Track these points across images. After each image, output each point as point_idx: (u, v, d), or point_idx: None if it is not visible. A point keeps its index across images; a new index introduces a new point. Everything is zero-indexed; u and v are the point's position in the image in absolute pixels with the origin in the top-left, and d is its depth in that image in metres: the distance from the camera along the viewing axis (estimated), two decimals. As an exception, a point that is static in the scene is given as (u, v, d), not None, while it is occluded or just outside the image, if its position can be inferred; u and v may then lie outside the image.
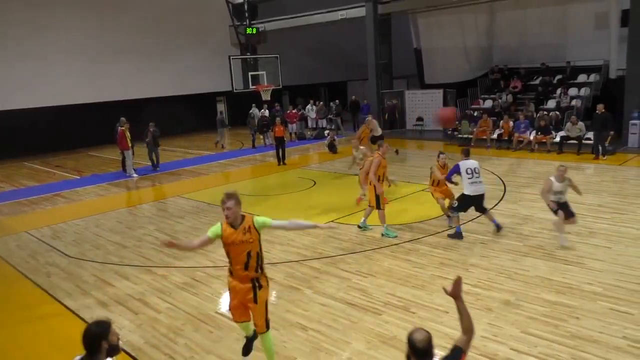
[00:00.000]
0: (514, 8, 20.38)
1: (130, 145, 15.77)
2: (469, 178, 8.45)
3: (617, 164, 13.95)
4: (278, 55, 22.01)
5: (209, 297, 6.99)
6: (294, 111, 23.11)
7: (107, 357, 3.14)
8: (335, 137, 19.05)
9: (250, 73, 21.63)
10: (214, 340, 5.83)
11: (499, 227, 8.72)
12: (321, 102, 25.50)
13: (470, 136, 18.04)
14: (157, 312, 6.62)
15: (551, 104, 18.77)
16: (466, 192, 8.50)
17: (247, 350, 5.17)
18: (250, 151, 19.83)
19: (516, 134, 16.97)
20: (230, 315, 5.12)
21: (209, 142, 23.49)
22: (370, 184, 9.04)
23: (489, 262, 7.54)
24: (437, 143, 19.40)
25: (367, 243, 8.70)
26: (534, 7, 19.96)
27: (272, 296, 6.95)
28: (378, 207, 8.93)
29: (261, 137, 20.83)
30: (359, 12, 22.42)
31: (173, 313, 6.56)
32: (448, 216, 9.18)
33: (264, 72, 21.66)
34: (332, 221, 9.82)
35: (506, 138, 17.30)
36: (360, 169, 10.87)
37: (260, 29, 25.54)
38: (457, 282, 3.23)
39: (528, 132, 16.86)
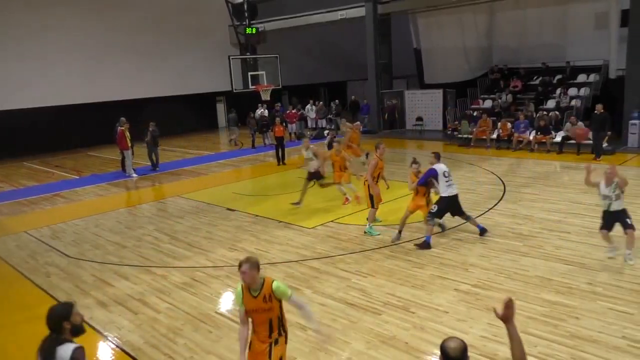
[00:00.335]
0: (513, 8, 20.37)
1: (130, 145, 15.76)
2: (446, 181, 8.30)
3: (617, 164, 13.91)
4: (278, 55, 22.01)
5: (208, 297, 6.99)
6: (293, 111, 23.11)
7: (71, 336, 3.23)
8: (335, 137, 19.01)
9: (249, 73, 21.62)
10: (214, 340, 5.83)
11: (483, 231, 8.59)
12: (321, 102, 25.51)
13: (470, 136, 18.03)
14: (157, 312, 6.62)
15: (551, 104, 18.76)
16: (444, 195, 8.31)
17: None
18: (250, 151, 19.82)
19: (516, 134, 16.96)
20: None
21: (208, 142, 23.51)
22: (364, 184, 9.19)
23: (488, 262, 7.54)
24: (436, 143, 19.41)
25: (367, 243, 8.69)
26: (534, 7, 19.94)
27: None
28: (372, 205, 9.13)
29: (261, 137, 20.82)
30: (359, 12, 22.42)
31: (172, 313, 6.56)
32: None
33: (264, 72, 21.65)
34: (331, 221, 9.92)
35: (505, 138, 17.30)
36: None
37: (259, 29, 25.53)
38: (508, 305, 2.80)
39: (528, 132, 16.86)
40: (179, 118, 25.55)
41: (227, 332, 5.94)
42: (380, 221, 9.48)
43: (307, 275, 7.50)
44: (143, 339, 5.95)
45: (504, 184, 12.28)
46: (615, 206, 7.11)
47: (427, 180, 8.43)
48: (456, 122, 19.48)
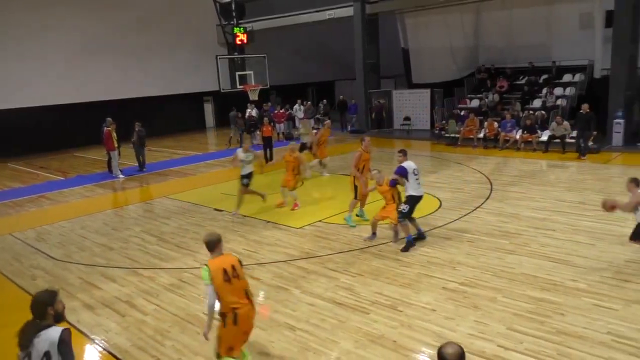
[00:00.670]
0: (500, 8, 20.54)
1: (116, 145, 15.63)
2: (416, 179, 8.21)
3: (602, 163, 14.13)
4: (265, 55, 21.92)
5: (196, 298, 6.95)
6: (281, 111, 23.07)
7: (54, 322, 3.41)
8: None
9: (237, 73, 21.49)
10: (202, 341, 5.78)
11: (422, 236, 8.50)
12: (309, 102, 25.50)
13: (458, 135, 18.16)
14: (144, 314, 6.58)
15: (537, 103, 18.95)
16: (414, 193, 8.14)
17: None
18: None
19: (502, 133, 17.10)
20: None
21: (196, 142, 23.40)
22: (351, 175, 9.41)
23: (475, 260, 7.59)
24: (424, 142, 19.52)
25: (355, 242, 8.71)
26: (520, 7, 20.13)
27: (260, 296, 6.95)
28: (355, 196, 9.42)
29: (249, 136, 20.76)
30: (347, 11, 22.45)
31: (160, 315, 6.52)
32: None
33: (252, 72, 21.54)
34: (319, 220, 9.94)
35: (492, 137, 17.44)
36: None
37: (247, 29, 25.44)
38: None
39: (514, 131, 17.01)
40: (166, 118, 25.36)
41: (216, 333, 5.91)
42: (367, 220, 9.47)
43: (295, 275, 7.50)
44: (130, 342, 5.91)
45: (490, 182, 12.37)
46: None
47: (397, 180, 8.19)
48: (444, 122, 19.59)
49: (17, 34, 20.64)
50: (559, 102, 18.35)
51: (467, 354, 5.08)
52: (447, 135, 18.71)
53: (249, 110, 21.95)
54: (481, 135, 17.79)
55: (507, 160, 15.28)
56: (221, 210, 11.21)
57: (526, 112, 17.78)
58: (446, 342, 2.85)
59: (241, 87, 21.10)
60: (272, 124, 19.29)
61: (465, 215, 9.85)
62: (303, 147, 14.46)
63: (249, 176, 10.61)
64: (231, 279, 4.58)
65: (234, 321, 4.60)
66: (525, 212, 9.77)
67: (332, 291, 6.87)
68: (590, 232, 8.42)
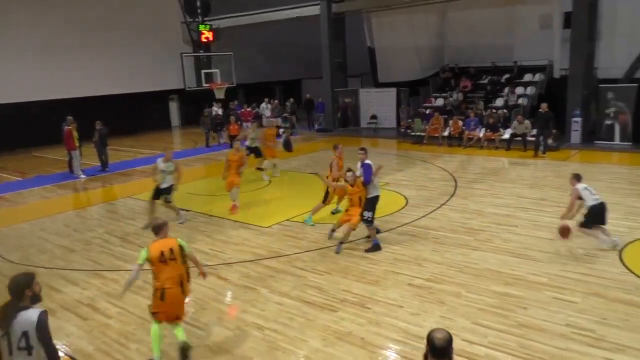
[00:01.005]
0: (463, 9, 20.92)
1: (77, 145, 15.20)
2: (377, 179, 8.26)
3: (561, 160, 14.58)
4: (232, 53, 21.73)
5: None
6: (248, 109, 22.92)
7: (30, 304, 3.62)
8: (291, 135, 19.01)
9: (203, 71, 21.23)
10: (167, 343, 5.69)
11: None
12: (276, 101, 25.40)
13: (423, 134, 18.42)
14: (108, 318, 6.42)
15: (499, 102, 19.41)
16: (377, 193, 8.16)
17: None
18: (204, 150, 19.51)
19: (466, 132, 17.45)
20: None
21: (161, 141, 22.98)
22: (326, 178, 9.29)
23: (441, 257, 7.72)
24: (390, 141, 19.73)
25: (323, 241, 8.72)
26: (483, 8, 20.55)
27: (228, 297, 6.89)
28: (323, 200, 9.59)
29: (215, 135, 20.54)
30: (313, 10, 22.46)
31: (124, 317, 6.38)
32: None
33: (218, 70, 21.31)
34: (287, 219, 9.93)
35: (457, 135, 17.76)
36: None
37: (213, 26, 25.16)
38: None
39: (478, 130, 17.38)
40: (130, 117, 24.74)
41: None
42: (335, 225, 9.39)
43: (263, 275, 7.46)
44: (93, 345, 5.76)
45: (455, 180, 12.60)
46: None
47: (372, 179, 8.09)
48: (409, 120, 19.84)
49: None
50: (520, 101, 18.85)
51: (433, 349, 5.19)
52: (412, 133, 18.96)
53: (215, 108, 21.70)
54: (446, 133, 18.10)
55: (471, 158, 15.59)
56: (187, 210, 11.05)
57: (489, 110, 18.19)
58: (436, 328, 3.01)
59: (207, 85, 20.86)
60: (239, 122, 19.15)
61: (430, 212, 10.01)
62: (253, 151, 14.10)
63: (169, 190, 9.82)
64: (167, 261, 5.09)
65: (161, 297, 5.08)
66: (489, 209, 10.00)
67: (300, 290, 6.87)
68: (551, 227, 8.65)
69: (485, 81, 20.74)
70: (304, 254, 8.20)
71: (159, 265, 5.07)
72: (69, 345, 5.80)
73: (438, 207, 10.32)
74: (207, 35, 24.38)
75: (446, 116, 19.00)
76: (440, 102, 21.03)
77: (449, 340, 2.89)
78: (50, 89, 21.92)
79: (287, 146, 18.31)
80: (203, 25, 24.53)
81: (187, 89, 20.55)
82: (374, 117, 22.21)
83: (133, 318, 6.34)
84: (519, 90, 19.43)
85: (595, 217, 7.61)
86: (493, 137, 16.75)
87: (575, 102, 16.43)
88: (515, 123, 16.48)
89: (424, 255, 7.81)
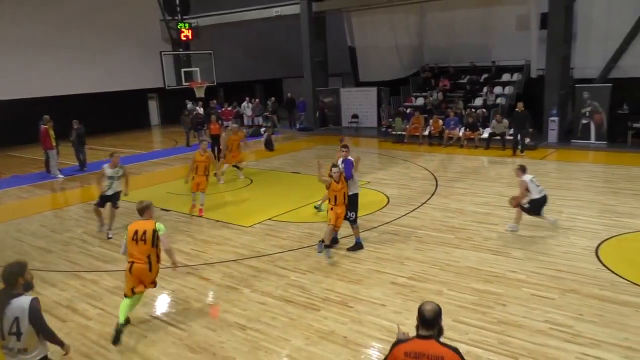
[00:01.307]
0: (443, 9, 21.12)
1: (54, 144, 14.93)
2: (358, 176, 8.24)
3: (539, 159, 14.83)
4: (212, 52, 21.58)
5: (142, 300, 6.74)
6: (229, 108, 22.79)
7: (23, 291, 3.82)
8: (273, 134, 18.97)
9: (183, 69, 21.04)
10: (148, 344, 5.65)
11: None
12: (257, 100, 25.31)
13: (404, 133, 18.55)
14: (87, 319, 6.33)
15: (478, 101, 19.66)
16: (357, 191, 8.16)
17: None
18: (185, 149, 19.33)
19: (446, 131, 17.63)
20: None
21: (140, 140, 22.73)
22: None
23: (423, 255, 7.79)
24: (372, 140, 19.83)
25: (306, 240, 8.73)
26: (462, 9, 20.78)
27: (209, 297, 6.85)
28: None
29: (195, 134, 20.36)
30: (294, 9, 22.44)
31: (104, 319, 6.30)
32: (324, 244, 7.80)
33: (198, 69, 21.14)
34: (269, 219, 9.91)
35: (437, 134, 17.93)
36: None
37: (193, 25, 24.94)
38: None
39: (457, 129, 17.57)
40: (109, 116, 24.42)
41: (163, 336, 5.78)
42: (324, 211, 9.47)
43: (245, 275, 7.43)
44: (72, 348, 5.63)
45: (436, 179, 12.72)
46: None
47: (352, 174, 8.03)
48: (390, 120, 19.97)
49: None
50: (498, 100, 19.12)
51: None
52: (393, 132, 19.08)
53: (190, 105, 21.52)
54: (426, 132, 18.25)
55: (451, 157, 15.76)
56: (168, 210, 10.95)
57: (468, 110, 18.40)
58: (426, 301, 3.23)
59: (187, 84, 20.68)
60: (219, 121, 19.04)
61: (412, 211, 10.09)
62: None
63: (117, 197, 9.52)
64: (137, 241, 5.67)
65: (129, 270, 5.69)
66: (469, 207, 10.12)
67: (283, 289, 6.86)
68: (529, 226, 8.81)
69: (465, 81, 20.99)
70: (286, 253, 8.19)
71: (131, 242, 5.69)
72: (52, 350, 5.68)
73: (420, 206, 10.41)
74: (186, 33, 24.13)
75: (426, 115, 19.16)
76: (420, 101, 21.21)
77: (437, 312, 3.11)
78: (26, 88, 21.48)
79: (269, 145, 18.30)
80: (182, 24, 24.28)
81: (167, 87, 20.34)
82: (355, 116, 22.29)
83: (113, 319, 6.24)
84: (498, 89, 19.71)
85: (535, 208, 8.43)
86: (472, 136, 16.96)
87: (552, 101, 16.72)
88: (493, 122, 16.71)
89: (406, 254, 7.87)
